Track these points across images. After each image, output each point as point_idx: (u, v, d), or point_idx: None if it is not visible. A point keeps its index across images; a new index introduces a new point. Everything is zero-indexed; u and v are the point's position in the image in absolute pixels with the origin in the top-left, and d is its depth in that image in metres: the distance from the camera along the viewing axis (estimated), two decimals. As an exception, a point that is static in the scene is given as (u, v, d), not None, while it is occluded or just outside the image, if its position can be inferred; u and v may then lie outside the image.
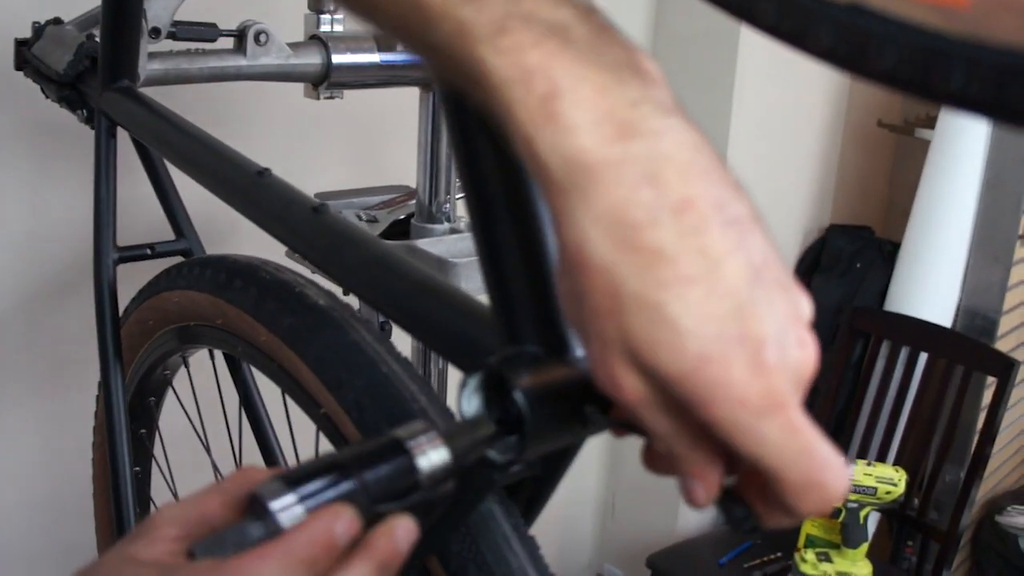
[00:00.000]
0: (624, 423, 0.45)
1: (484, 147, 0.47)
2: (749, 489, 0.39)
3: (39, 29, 1.00)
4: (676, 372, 0.34)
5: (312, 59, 1.10)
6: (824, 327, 2.18)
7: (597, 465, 2.22)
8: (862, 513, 1.80)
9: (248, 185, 0.69)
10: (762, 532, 0.40)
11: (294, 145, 1.50)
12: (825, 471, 0.35)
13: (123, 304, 0.92)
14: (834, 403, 2.12)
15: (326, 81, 1.12)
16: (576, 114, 0.35)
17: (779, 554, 1.97)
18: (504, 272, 0.48)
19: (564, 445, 0.48)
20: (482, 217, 0.48)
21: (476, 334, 0.53)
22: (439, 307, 0.55)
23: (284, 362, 0.67)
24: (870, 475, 1.77)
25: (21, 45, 1.01)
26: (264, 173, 0.70)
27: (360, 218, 1.30)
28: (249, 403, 0.91)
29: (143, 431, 1.00)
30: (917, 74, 0.32)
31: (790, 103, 2.07)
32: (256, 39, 1.06)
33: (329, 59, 1.09)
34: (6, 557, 1.36)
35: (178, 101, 1.30)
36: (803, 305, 0.36)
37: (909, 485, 1.88)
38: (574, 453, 0.55)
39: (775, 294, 0.35)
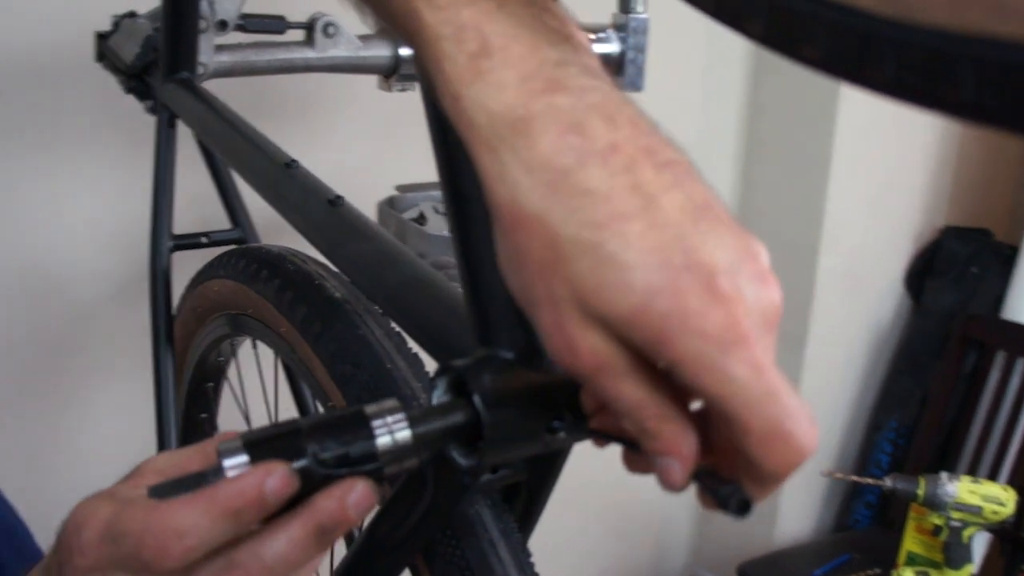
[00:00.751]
0: (600, 431, 0.43)
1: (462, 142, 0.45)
2: (720, 467, 0.37)
3: (116, 22, 1.03)
4: (628, 310, 0.33)
5: (381, 51, 1.10)
6: (935, 334, 2.07)
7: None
8: (965, 533, 1.70)
9: (275, 176, 0.70)
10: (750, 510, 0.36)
11: (384, 137, 1.51)
12: (791, 419, 0.33)
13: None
14: (943, 415, 2.01)
15: (396, 73, 1.12)
16: (504, 72, 0.35)
17: (877, 570, 1.88)
18: (480, 275, 0.47)
19: (532, 452, 0.46)
20: (459, 216, 0.47)
21: (459, 333, 0.51)
22: (429, 303, 0.54)
23: (301, 353, 0.67)
24: (975, 493, 1.66)
25: (101, 38, 1.05)
26: (291, 165, 0.70)
27: (436, 210, 1.30)
28: (297, 392, 0.92)
29: (203, 415, 1.02)
30: (850, 60, 0.28)
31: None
32: (325, 31, 1.07)
33: (398, 51, 1.09)
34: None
35: (272, 93, 1.34)
36: (756, 246, 0.35)
37: (1022, 506, 1.76)
38: (562, 460, 0.53)
39: (722, 229, 0.34)
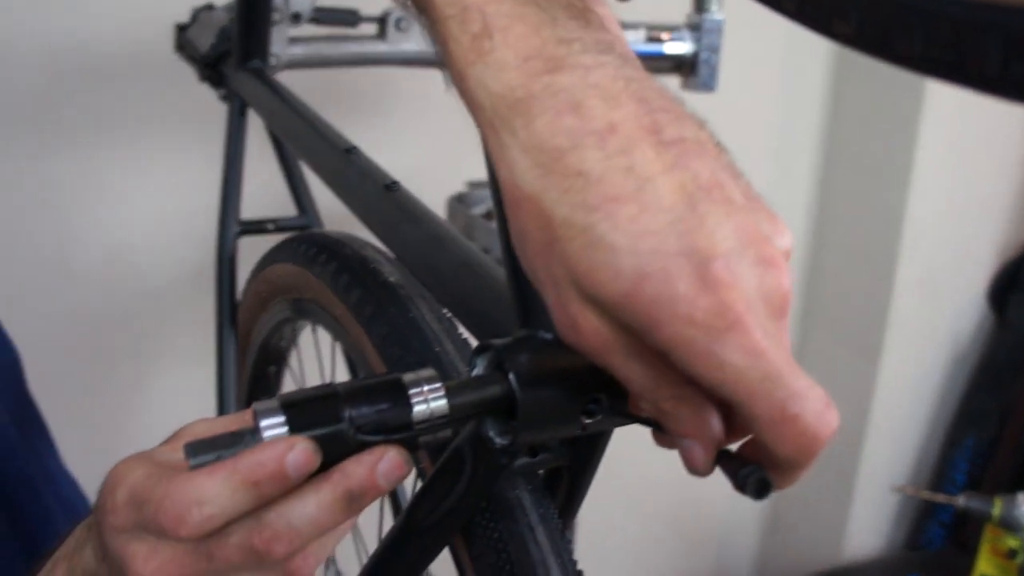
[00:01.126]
0: (634, 415, 0.43)
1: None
2: (746, 451, 0.37)
3: (195, 14, 1.07)
4: (618, 293, 0.32)
5: (452, 46, 1.11)
6: (1018, 351, 2.00)
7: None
8: (1043, 557, 1.64)
9: (335, 161, 0.71)
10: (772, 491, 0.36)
11: (457, 133, 1.52)
12: (797, 400, 0.32)
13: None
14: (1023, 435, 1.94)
15: (467, 68, 1.13)
16: (504, 53, 0.35)
17: (948, 591, 1.83)
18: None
19: (569, 434, 0.46)
20: (499, 197, 0.47)
21: (505, 315, 0.52)
22: (475, 286, 0.54)
23: (354, 336, 0.68)
24: (1053, 516, 1.60)
25: (181, 30, 1.08)
26: (352, 151, 0.71)
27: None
28: (356, 376, 0.93)
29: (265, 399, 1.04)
30: (880, 35, 0.28)
31: (991, 100, 1.90)
32: (397, 25, 1.08)
33: (468, 46, 1.10)
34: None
35: (345, 86, 1.36)
36: (769, 227, 0.33)
37: (1104, 531, 1.69)
38: (603, 444, 0.53)
39: (726, 211, 0.33)
